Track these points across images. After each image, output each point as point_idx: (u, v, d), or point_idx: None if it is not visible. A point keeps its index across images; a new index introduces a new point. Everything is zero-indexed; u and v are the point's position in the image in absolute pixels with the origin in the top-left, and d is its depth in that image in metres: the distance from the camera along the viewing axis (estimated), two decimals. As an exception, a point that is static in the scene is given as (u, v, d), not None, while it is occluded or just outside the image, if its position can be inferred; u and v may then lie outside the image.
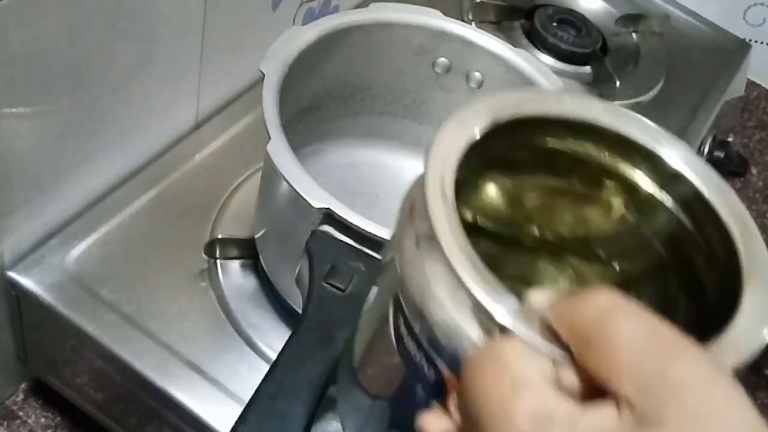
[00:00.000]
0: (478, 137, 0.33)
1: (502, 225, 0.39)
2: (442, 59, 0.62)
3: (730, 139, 0.98)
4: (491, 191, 0.39)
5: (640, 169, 0.38)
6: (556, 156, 0.38)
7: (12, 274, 0.58)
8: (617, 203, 0.39)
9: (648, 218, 0.38)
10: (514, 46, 0.62)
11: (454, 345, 0.29)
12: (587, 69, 0.88)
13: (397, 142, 0.67)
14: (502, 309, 0.28)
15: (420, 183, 0.31)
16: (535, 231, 0.40)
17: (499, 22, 0.92)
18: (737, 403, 0.24)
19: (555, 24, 0.90)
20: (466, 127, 0.33)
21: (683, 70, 0.95)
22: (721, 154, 0.91)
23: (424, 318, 0.30)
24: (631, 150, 0.38)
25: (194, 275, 0.61)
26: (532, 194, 0.40)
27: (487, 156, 0.35)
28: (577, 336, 0.26)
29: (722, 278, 0.34)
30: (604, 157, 0.38)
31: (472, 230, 0.31)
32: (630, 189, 0.38)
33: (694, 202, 0.36)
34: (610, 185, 0.38)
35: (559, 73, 0.77)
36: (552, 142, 0.37)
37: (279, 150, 0.49)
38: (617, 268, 0.39)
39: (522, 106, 0.35)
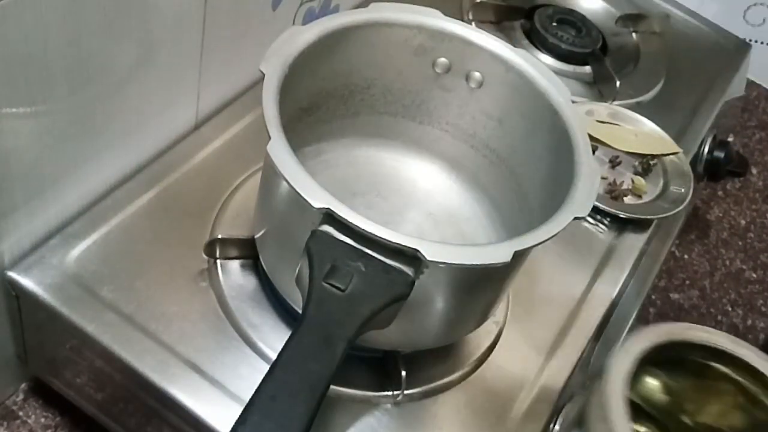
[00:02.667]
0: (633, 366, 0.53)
1: (660, 411, 0.59)
2: (442, 59, 0.62)
3: (730, 139, 0.98)
4: (653, 383, 0.59)
5: (753, 380, 0.57)
6: (696, 363, 0.57)
7: (12, 274, 0.58)
8: (742, 404, 0.58)
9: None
10: (514, 46, 0.62)
11: None
12: (587, 69, 0.88)
13: (397, 142, 0.67)
14: None
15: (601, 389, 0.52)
16: (684, 419, 0.60)
17: (499, 22, 0.92)
18: None
19: (555, 24, 0.90)
20: (630, 353, 0.53)
21: (683, 70, 0.95)
22: (721, 154, 0.91)
23: None
24: (748, 369, 0.57)
25: (194, 275, 0.61)
26: (680, 387, 0.59)
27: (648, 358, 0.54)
28: None
29: None
30: (729, 370, 0.57)
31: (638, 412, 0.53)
32: (749, 396, 0.57)
33: None
34: (732, 390, 0.57)
35: (559, 73, 0.77)
36: (693, 355, 0.57)
37: (279, 150, 0.49)
38: None
39: (671, 334, 0.56)
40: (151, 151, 0.67)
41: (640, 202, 0.79)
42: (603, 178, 0.79)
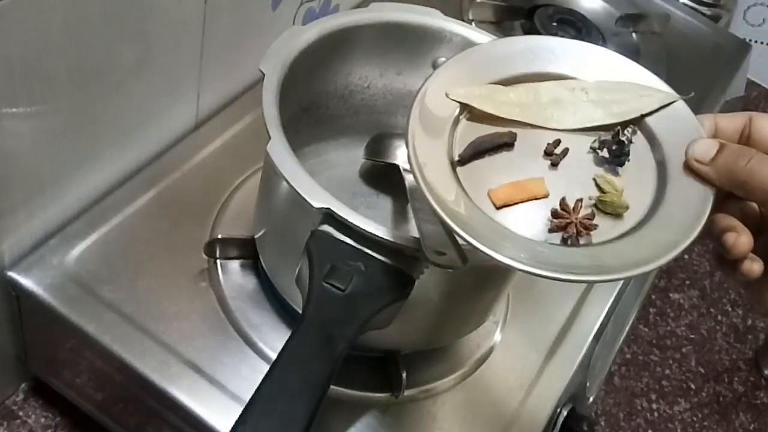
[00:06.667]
0: None
1: None
2: (442, 59, 0.62)
3: (730, 139, 0.98)
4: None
5: None
6: None
7: (12, 274, 0.58)
8: None
9: None
10: (514, 46, 0.61)
11: None
12: (587, 69, 0.88)
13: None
14: None
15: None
16: None
17: (499, 22, 0.92)
18: None
19: (555, 24, 0.90)
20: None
21: (683, 71, 0.95)
22: (721, 154, 0.91)
23: None
24: None
25: (194, 275, 0.61)
26: None
27: None
28: None
29: None
30: None
31: None
32: None
33: None
34: None
35: (559, 73, 0.77)
36: None
37: (279, 150, 0.49)
38: None
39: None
40: (151, 151, 0.67)
41: (621, 227, 0.42)
42: (535, 199, 0.43)
